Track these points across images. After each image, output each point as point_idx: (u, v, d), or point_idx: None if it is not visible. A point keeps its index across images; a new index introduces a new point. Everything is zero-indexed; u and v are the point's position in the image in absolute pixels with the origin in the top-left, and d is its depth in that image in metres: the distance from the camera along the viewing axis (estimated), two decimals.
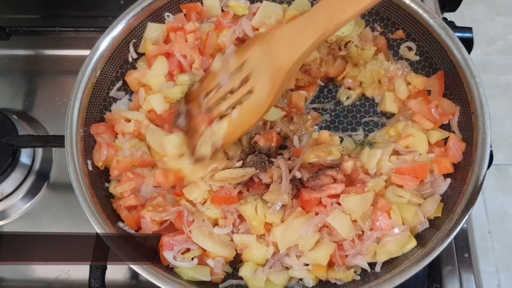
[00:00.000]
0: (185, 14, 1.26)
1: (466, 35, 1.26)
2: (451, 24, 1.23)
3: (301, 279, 1.06)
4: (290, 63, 0.94)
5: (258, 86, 0.98)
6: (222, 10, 1.29)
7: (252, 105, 1.00)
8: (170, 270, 1.03)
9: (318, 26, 0.90)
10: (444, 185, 1.10)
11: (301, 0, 1.29)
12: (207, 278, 1.03)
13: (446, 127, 1.16)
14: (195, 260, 1.04)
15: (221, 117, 1.04)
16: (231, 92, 1.03)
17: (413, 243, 1.03)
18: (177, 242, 1.04)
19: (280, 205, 1.03)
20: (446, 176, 1.11)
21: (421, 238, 1.05)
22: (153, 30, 1.23)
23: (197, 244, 1.05)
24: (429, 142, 1.13)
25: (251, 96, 1.00)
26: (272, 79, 0.96)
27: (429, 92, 1.20)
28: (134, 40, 1.23)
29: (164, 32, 1.24)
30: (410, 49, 1.25)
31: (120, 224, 1.07)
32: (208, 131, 1.04)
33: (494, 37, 2.83)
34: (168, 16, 1.25)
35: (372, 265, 1.04)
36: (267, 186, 1.11)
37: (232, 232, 1.08)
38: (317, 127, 1.23)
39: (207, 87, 1.07)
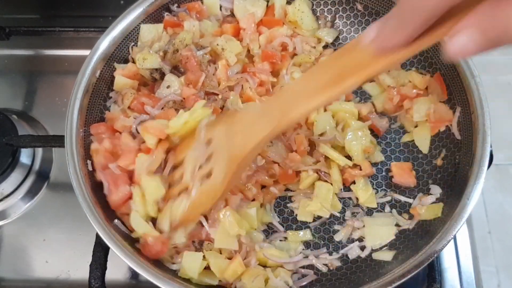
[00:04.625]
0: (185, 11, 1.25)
1: None
2: None
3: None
4: (243, 153, 0.90)
5: (216, 170, 0.94)
6: (221, 9, 1.29)
7: (209, 188, 0.95)
8: (170, 270, 1.03)
9: (272, 119, 0.85)
10: None
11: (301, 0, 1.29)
12: (215, 282, 1.03)
13: (446, 127, 1.16)
14: None
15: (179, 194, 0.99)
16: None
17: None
18: None
19: None
20: None
21: (421, 238, 1.05)
22: (147, 32, 1.20)
23: None
24: None
25: (210, 178, 0.95)
26: (227, 166, 0.92)
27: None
28: (133, 42, 1.22)
29: (159, 32, 1.22)
30: None
31: (116, 222, 1.06)
32: (167, 207, 1.00)
33: None
34: (167, 14, 1.25)
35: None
36: None
37: None
38: None
39: (176, 160, 1.02)
